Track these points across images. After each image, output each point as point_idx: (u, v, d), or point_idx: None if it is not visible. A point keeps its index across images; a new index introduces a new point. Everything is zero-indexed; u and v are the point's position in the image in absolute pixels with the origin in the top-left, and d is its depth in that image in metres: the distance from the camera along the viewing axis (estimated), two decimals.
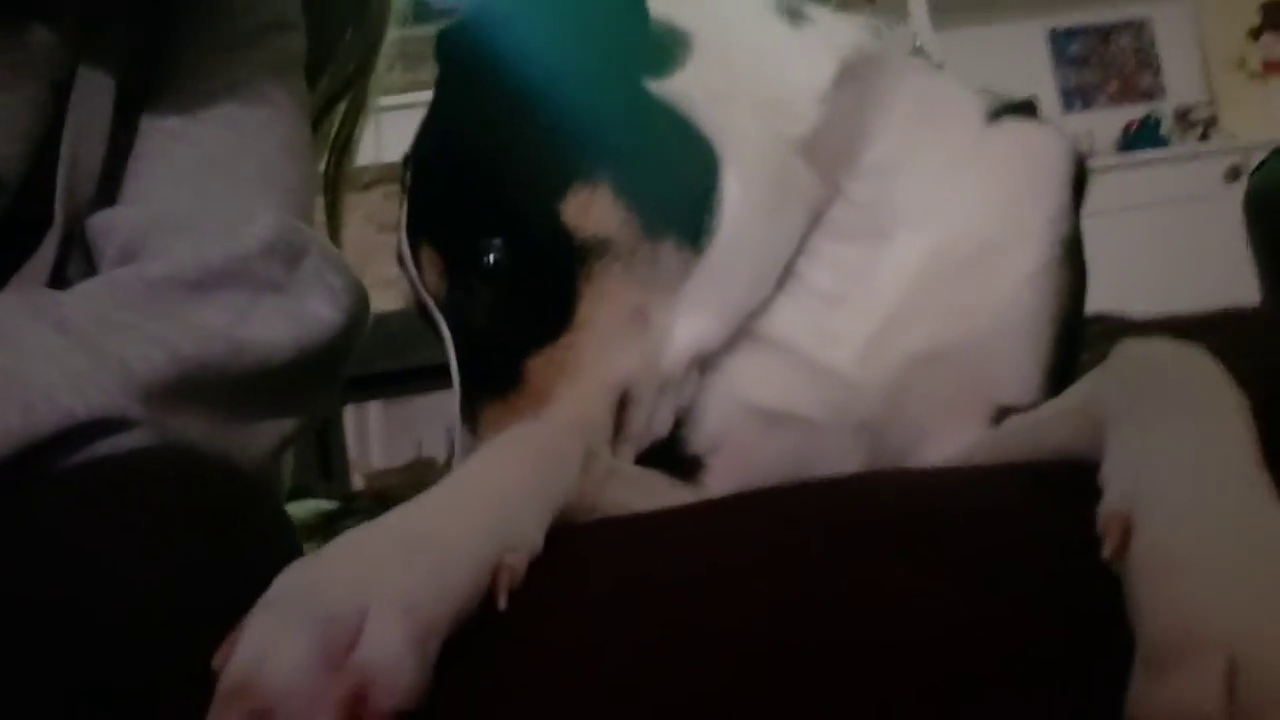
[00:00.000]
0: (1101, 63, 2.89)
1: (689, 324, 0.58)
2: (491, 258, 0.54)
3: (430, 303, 0.58)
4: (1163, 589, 0.28)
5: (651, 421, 0.58)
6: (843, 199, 0.59)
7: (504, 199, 0.55)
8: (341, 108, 0.84)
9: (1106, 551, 0.30)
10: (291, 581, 0.33)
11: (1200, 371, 0.39)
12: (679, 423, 0.61)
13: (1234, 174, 2.47)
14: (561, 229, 0.53)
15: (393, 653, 0.30)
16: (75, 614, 0.42)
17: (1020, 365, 0.58)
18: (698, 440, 0.61)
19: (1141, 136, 2.74)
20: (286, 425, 0.65)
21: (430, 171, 0.59)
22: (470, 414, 0.56)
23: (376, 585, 0.32)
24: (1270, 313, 1.18)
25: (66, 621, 0.42)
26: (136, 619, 0.43)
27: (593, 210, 0.54)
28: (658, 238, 0.55)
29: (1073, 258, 0.60)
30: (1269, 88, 2.85)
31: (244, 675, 0.29)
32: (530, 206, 0.54)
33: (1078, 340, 0.61)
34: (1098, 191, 1.90)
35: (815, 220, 0.59)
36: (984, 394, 0.57)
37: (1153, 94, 2.89)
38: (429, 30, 0.63)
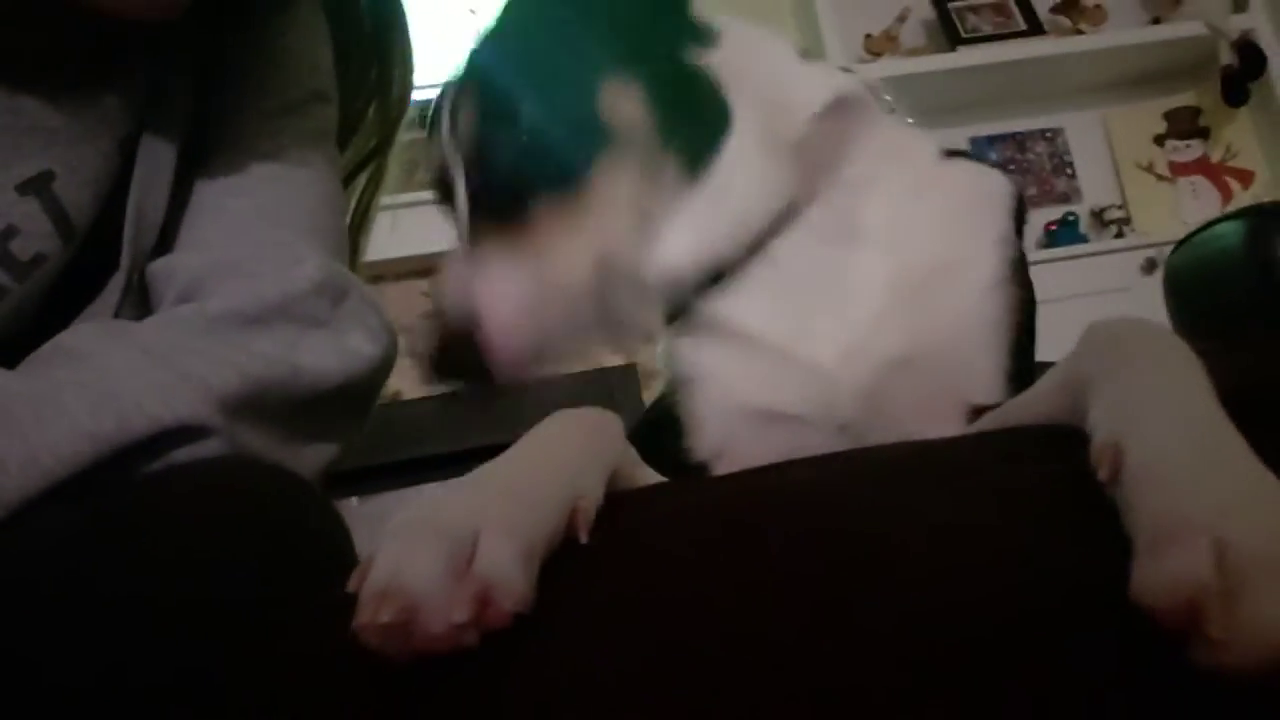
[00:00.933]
0: (1020, 168, 3.04)
1: (673, 239, 0.66)
2: (531, 112, 0.63)
3: (451, 147, 0.66)
4: (1154, 491, 0.33)
5: (633, 316, 0.67)
6: (820, 203, 0.67)
7: (551, 74, 0.65)
8: (363, 178, 0.93)
9: (1102, 474, 0.35)
10: (413, 514, 0.38)
11: (1160, 336, 0.45)
12: (683, 433, 0.67)
13: (1150, 266, 2.60)
14: (595, 108, 0.64)
15: (506, 565, 0.36)
16: (164, 608, 0.46)
17: (986, 367, 0.65)
18: (702, 447, 0.67)
19: (1062, 235, 2.87)
20: (329, 450, 0.72)
21: (490, 52, 0.69)
22: (472, 236, 0.64)
23: (485, 514, 0.38)
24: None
25: (157, 615, 0.46)
26: (219, 610, 0.47)
27: (624, 103, 0.64)
28: (667, 149, 0.65)
29: (1021, 276, 0.67)
30: (1176, 189, 3.03)
31: (385, 583, 0.34)
32: (573, 83, 0.65)
33: (1032, 346, 0.68)
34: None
35: (794, 214, 0.65)
36: (956, 394, 0.64)
37: (1069, 196, 3.04)
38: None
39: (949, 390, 0.64)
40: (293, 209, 0.75)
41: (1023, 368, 0.66)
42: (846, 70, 0.76)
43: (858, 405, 0.64)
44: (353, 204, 0.93)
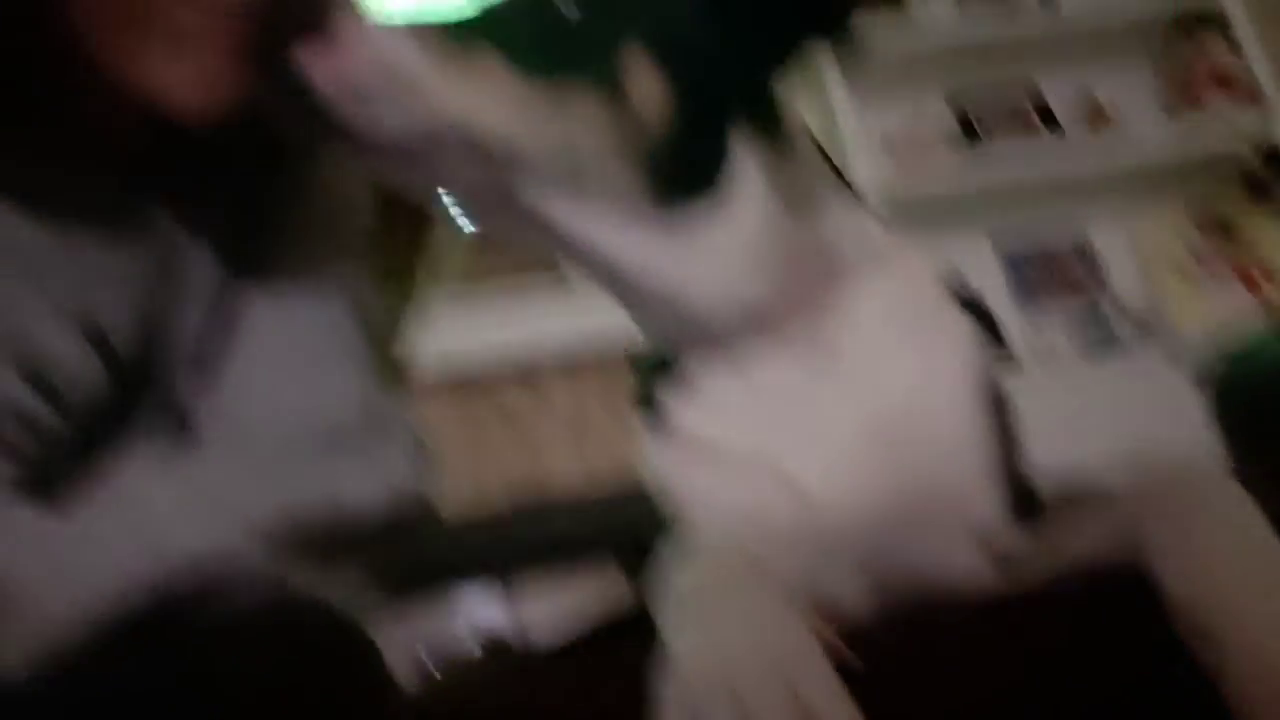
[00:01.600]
0: (1043, 263, 3.04)
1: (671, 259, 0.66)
2: None
3: None
4: (1250, 661, 0.34)
5: None
6: (802, 320, 0.67)
7: None
8: (399, 285, 0.94)
9: (1193, 641, 0.36)
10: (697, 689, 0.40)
11: (1218, 482, 0.46)
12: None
13: (1184, 366, 2.56)
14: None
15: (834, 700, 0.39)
16: None
17: (983, 486, 0.65)
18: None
19: (1090, 333, 2.85)
20: (368, 580, 0.73)
21: None
22: None
23: (778, 667, 0.40)
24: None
25: None
26: None
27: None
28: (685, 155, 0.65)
29: (997, 390, 0.69)
30: (1206, 287, 3.01)
31: None
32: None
33: (1023, 454, 0.69)
34: (1054, 387, 1.96)
35: (769, 319, 0.66)
36: (961, 520, 0.63)
37: (1097, 296, 3.02)
38: None
39: (953, 517, 0.64)
40: (332, 338, 0.78)
41: (1019, 477, 0.67)
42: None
43: (858, 543, 0.64)
44: (392, 311, 0.94)
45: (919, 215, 2.88)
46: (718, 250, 0.64)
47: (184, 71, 0.67)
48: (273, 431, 0.69)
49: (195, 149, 0.78)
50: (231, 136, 0.76)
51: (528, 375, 2.73)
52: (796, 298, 0.67)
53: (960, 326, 0.71)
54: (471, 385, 2.69)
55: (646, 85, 0.63)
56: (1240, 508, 0.44)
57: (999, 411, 0.68)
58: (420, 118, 0.58)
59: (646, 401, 0.75)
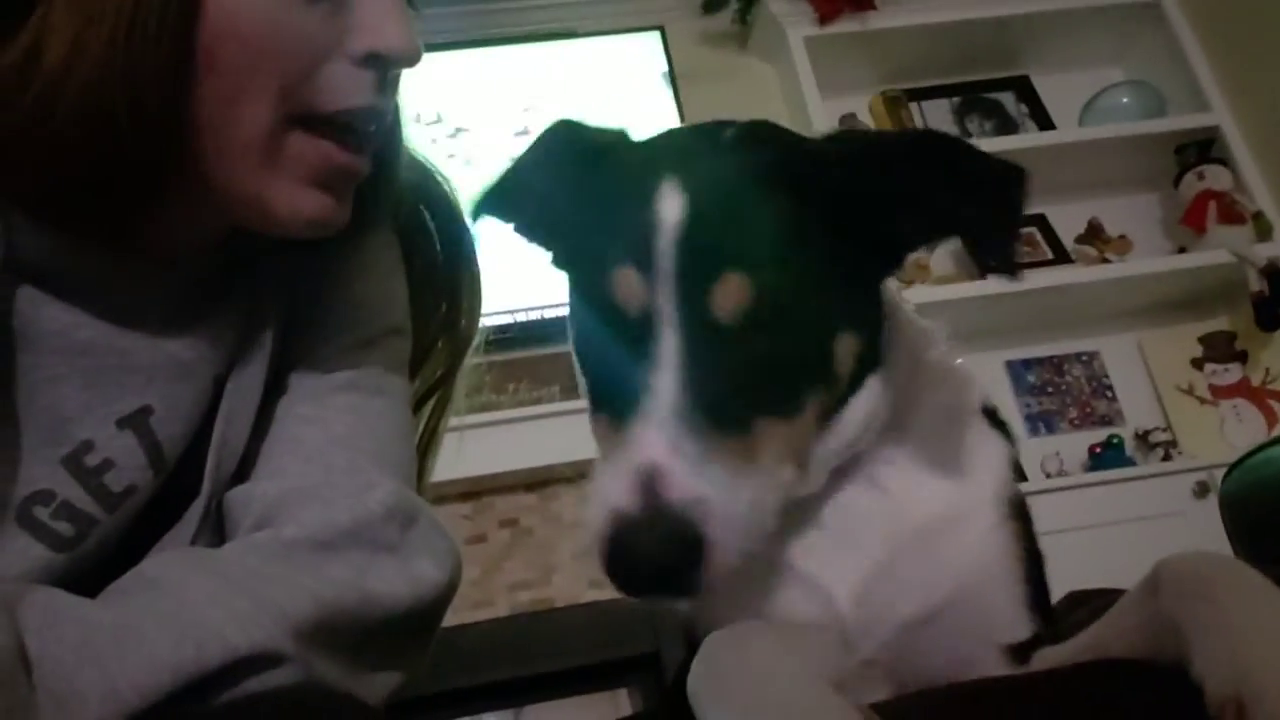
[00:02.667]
0: (1058, 391, 3.05)
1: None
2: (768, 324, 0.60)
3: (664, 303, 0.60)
4: None
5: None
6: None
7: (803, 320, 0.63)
8: (430, 404, 0.98)
9: None
10: None
11: (1242, 572, 0.46)
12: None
13: (1202, 490, 2.54)
14: (829, 351, 0.63)
15: None
16: None
17: (1008, 606, 0.67)
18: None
19: (1107, 458, 2.83)
20: (395, 678, 0.73)
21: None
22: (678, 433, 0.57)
23: None
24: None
25: None
26: None
27: (846, 353, 0.64)
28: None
29: (1021, 511, 0.71)
30: (1220, 411, 3.00)
31: None
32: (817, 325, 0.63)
33: (1044, 576, 0.71)
34: (1071, 509, 1.97)
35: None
36: (984, 638, 0.64)
37: (1111, 419, 3.02)
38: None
39: (976, 635, 0.66)
40: (366, 438, 0.79)
41: (1041, 598, 0.69)
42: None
43: (885, 651, 0.65)
44: (421, 427, 0.96)
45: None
46: None
47: (298, 202, 0.74)
48: (305, 525, 0.69)
49: (239, 250, 0.82)
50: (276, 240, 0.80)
51: (537, 484, 2.73)
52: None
53: (993, 445, 0.73)
54: (482, 493, 2.68)
55: (850, 357, 0.65)
56: (1270, 595, 0.45)
57: (1023, 526, 0.70)
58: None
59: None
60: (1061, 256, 3.10)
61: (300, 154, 0.73)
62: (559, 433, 2.66)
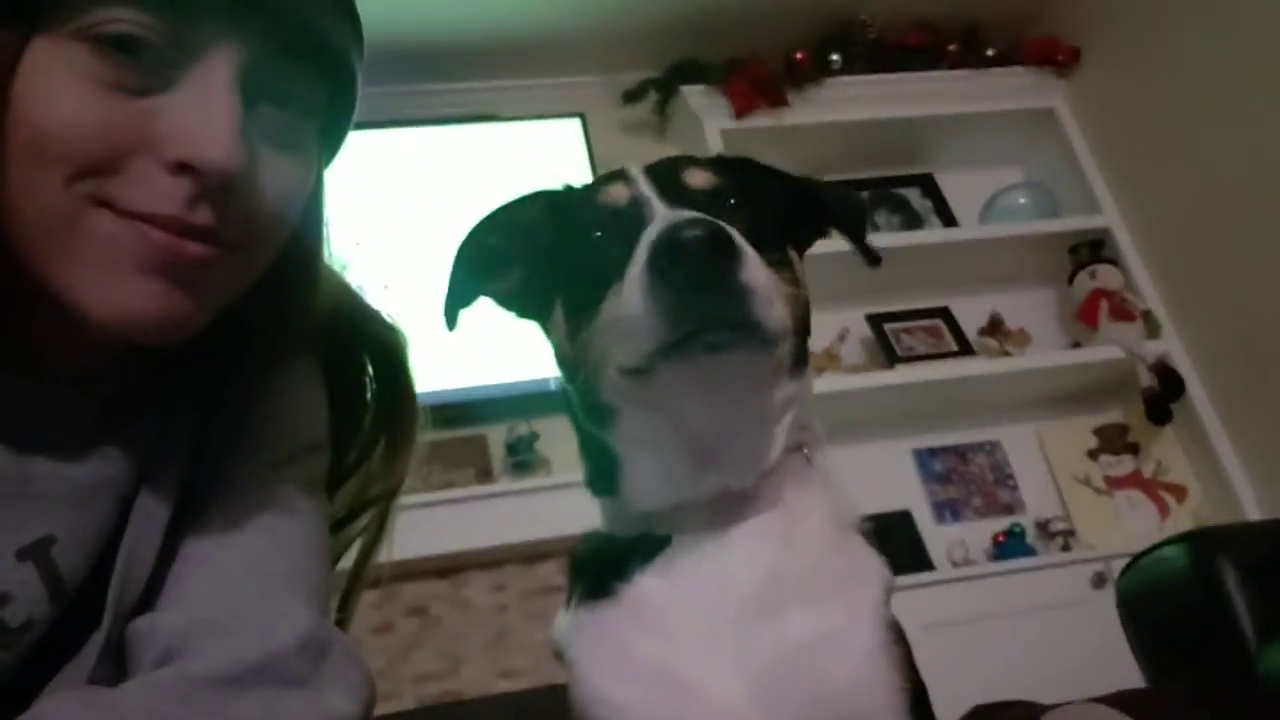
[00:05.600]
0: (963, 479, 3.13)
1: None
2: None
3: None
4: None
5: None
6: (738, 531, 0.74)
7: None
8: (364, 520, 0.94)
9: None
10: None
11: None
12: None
13: (1099, 581, 2.61)
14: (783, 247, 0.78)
15: None
16: None
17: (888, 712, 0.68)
18: None
19: (1009, 547, 2.90)
20: None
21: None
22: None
23: None
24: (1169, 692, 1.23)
25: None
26: None
27: (796, 265, 0.79)
28: None
29: (900, 636, 0.73)
30: (1115, 502, 3.11)
31: None
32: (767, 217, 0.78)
33: (926, 699, 0.73)
34: (976, 597, 2.03)
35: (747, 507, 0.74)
36: None
37: (1013, 507, 3.11)
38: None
39: None
40: (279, 561, 0.76)
41: (919, 697, 0.71)
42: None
43: None
44: (356, 538, 0.94)
45: (844, 429, 2.97)
46: None
47: (113, 292, 0.66)
48: (211, 660, 0.66)
49: (148, 368, 0.79)
50: (185, 355, 0.76)
51: (448, 571, 2.67)
52: (765, 494, 0.73)
53: (874, 565, 0.76)
54: (390, 579, 2.62)
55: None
56: None
57: (905, 652, 0.72)
58: None
59: (581, 578, 0.77)
60: (965, 348, 3.21)
61: (112, 236, 0.65)
62: (472, 517, 2.63)
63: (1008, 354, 3.18)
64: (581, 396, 0.76)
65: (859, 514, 0.79)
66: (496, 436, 2.84)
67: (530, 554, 2.65)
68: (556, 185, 0.86)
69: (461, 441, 2.81)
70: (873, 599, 0.73)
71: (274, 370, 0.83)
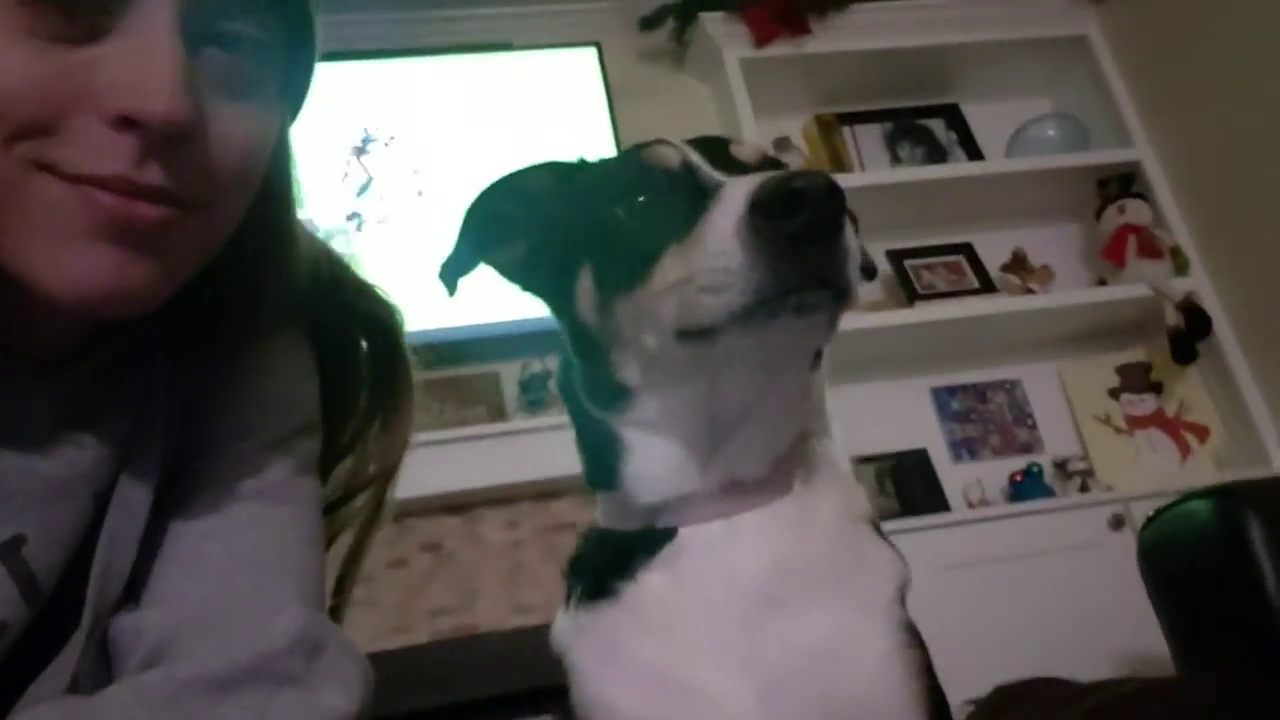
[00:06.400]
0: (982, 418, 3.09)
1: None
2: None
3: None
4: None
5: None
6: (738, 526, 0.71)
7: None
8: (359, 501, 0.90)
9: None
10: None
11: None
12: None
13: (1117, 523, 2.59)
14: None
15: None
16: None
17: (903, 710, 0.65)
18: None
19: (1026, 487, 2.87)
20: None
21: None
22: None
23: None
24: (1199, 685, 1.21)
25: None
26: None
27: None
28: None
29: (915, 638, 0.69)
30: (1135, 442, 3.07)
31: None
32: None
33: (944, 699, 0.69)
34: (991, 538, 2.01)
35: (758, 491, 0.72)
36: None
37: (1032, 447, 3.08)
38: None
39: None
40: (271, 551, 0.73)
41: (935, 694, 0.68)
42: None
43: None
44: (352, 516, 0.90)
45: (862, 367, 2.94)
46: None
47: (66, 263, 0.62)
48: (200, 663, 0.63)
49: (121, 348, 0.75)
50: (159, 328, 0.73)
51: (462, 508, 2.68)
52: (776, 483, 0.70)
53: (887, 559, 0.73)
54: (404, 515, 2.63)
55: None
56: None
57: (923, 656, 0.69)
58: None
59: (580, 578, 0.74)
60: (987, 285, 3.15)
61: (58, 202, 0.61)
62: (485, 455, 2.62)
63: (1030, 291, 3.12)
64: (593, 376, 0.72)
65: (869, 505, 0.76)
66: (510, 374, 2.82)
67: (544, 491, 2.64)
68: (571, 157, 0.81)
69: (474, 379, 2.80)
70: (886, 596, 0.70)
71: (258, 345, 0.79)
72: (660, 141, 0.72)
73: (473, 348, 2.78)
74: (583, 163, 0.80)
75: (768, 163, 0.72)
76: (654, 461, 0.70)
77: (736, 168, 0.69)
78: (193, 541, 0.73)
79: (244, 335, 0.78)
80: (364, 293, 0.89)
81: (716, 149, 0.71)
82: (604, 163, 0.79)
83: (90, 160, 0.60)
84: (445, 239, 0.79)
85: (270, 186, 0.74)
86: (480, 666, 2.49)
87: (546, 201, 0.77)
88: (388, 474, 0.90)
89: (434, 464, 2.63)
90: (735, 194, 0.60)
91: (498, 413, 2.77)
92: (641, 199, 0.69)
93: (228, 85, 0.66)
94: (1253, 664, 1.38)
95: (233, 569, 0.71)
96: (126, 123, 0.60)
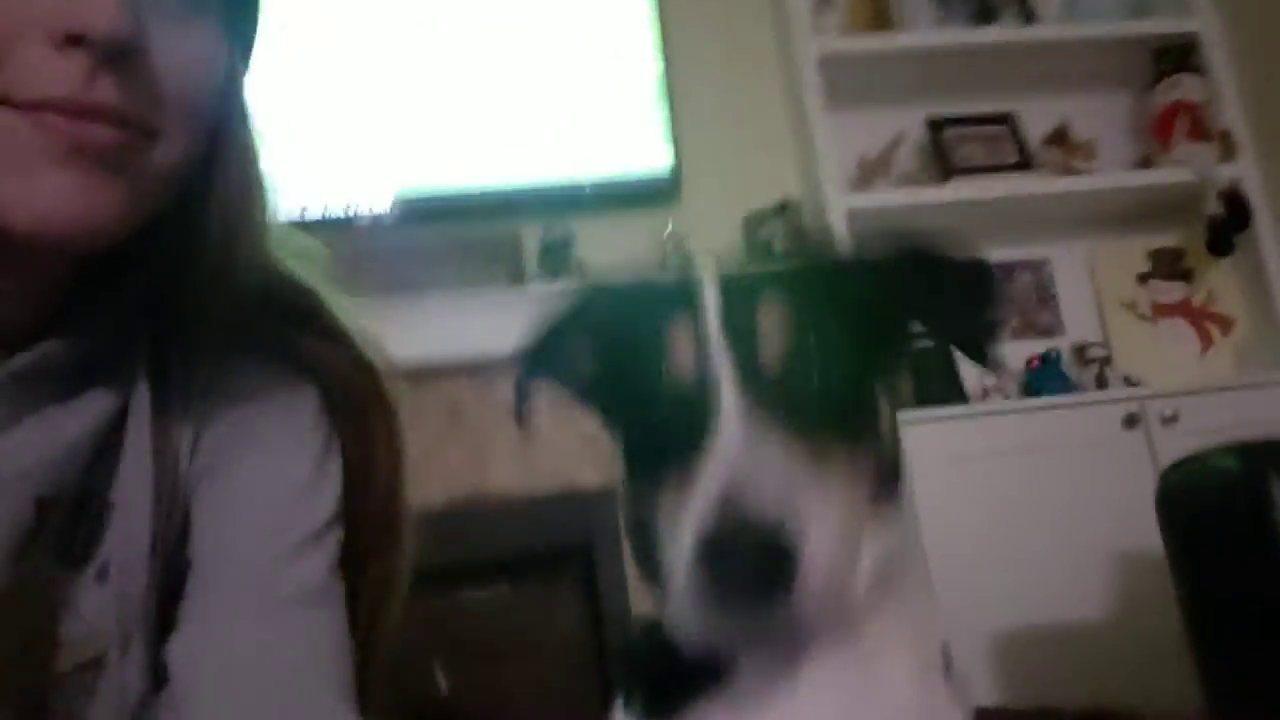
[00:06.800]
0: (1006, 298, 3.04)
1: None
2: None
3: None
4: None
5: None
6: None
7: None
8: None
9: None
10: None
11: None
12: None
13: (1131, 421, 2.59)
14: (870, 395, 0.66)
15: None
16: None
17: None
18: None
19: (1043, 372, 2.86)
20: None
21: None
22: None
23: None
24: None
25: None
26: None
27: (885, 411, 0.69)
28: None
29: None
30: (1157, 330, 3.04)
31: None
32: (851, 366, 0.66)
33: None
34: (1005, 431, 2.01)
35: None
36: None
37: (1052, 330, 3.04)
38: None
39: None
40: (320, 662, 0.73)
41: None
42: None
43: None
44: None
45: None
46: None
47: (26, 192, 0.63)
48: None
49: (106, 280, 0.73)
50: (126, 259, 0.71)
51: (477, 371, 2.68)
52: (841, 625, 0.65)
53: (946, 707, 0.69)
54: (419, 380, 2.63)
55: None
56: None
57: None
58: None
59: (636, 683, 0.72)
60: (1026, 161, 3.03)
61: (10, 130, 0.62)
62: (503, 318, 2.59)
63: (1071, 168, 3.00)
64: (636, 524, 0.68)
65: (943, 645, 0.72)
66: (531, 236, 2.75)
67: None
68: (625, 279, 0.74)
69: (494, 239, 2.73)
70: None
71: (256, 373, 0.79)
72: (684, 318, 0.64)
73: (493, 207, 2.71)
74: (637, 290, 0.73)
75: (798, 347, 0.63)
76: (699, 603, 0.67)
77: (758, 380, 0.62)
78: (239, 649, 0.72)
79: (219, 317, 0.76)
80: (335, 341, 0.86)
81: (744, 334, 0.63)
82: (647, 308, 0.69)
83: (39, 84, 0.62)
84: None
85: (228, 135, 0.75)
86: (491, 528, 2.56)
87: (596, 337, 0.72)
88: (390, 562, 0.87)
89: (450, 325, 2.61)
90: (701, 502, 0.56)
91: (517, 276, 2.73)
92: (660, 403, 0.64)
93: (169, 6, 0.68)
94: (1258, 620, 1.40)
95: (284, 687, 0.71)
96: (72, 40, 0.62)
